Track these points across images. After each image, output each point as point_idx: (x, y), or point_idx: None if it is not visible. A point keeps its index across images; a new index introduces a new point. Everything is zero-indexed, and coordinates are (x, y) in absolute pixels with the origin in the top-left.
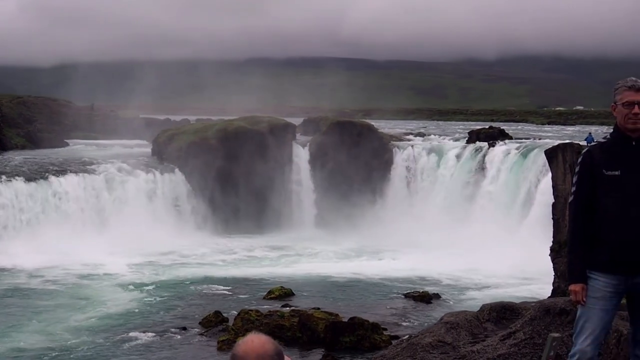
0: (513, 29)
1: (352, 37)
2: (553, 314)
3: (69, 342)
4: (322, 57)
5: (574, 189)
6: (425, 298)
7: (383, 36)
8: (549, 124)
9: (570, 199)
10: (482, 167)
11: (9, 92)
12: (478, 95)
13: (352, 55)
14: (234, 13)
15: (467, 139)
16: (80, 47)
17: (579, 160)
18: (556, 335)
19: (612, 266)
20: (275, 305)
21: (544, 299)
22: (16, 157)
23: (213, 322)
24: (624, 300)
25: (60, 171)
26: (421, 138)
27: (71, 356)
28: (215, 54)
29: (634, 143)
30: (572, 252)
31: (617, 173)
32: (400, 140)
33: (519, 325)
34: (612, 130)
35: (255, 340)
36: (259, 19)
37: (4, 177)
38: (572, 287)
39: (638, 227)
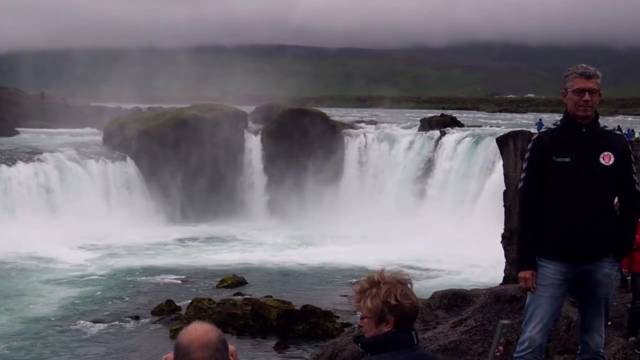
0: (462, 17)
1: (302, 25)
2: (503, 301)
3: (17, 334)
4: (274, 44)
5: (523, 175)
6: None
7: (334, 23)
8: (500, 112)
9: (520, 185)
10: (433, 155)
11: None
12: (430, 82)
13: (303, 42)
14: (184, 1)
15: (419, 126)
16: (28, 36)
17: (529, 146)
18: (506, 322)
19: (561, 253)
20: (228, 294)
21: (495, 286)
22: None
23: (165, 311)
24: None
25: (10, 160)
26: (373, 126)
27: (20, 348)
28: (165, 42)
29: (584, 130)
30: (521, 238)
31: (567, 160)
32: (353, 128)
33: (469, 313)
34: (562, 116)
35: (198, 329)
36: (209, 7)
37: None
38: (521, 274)
39: (587, 214)
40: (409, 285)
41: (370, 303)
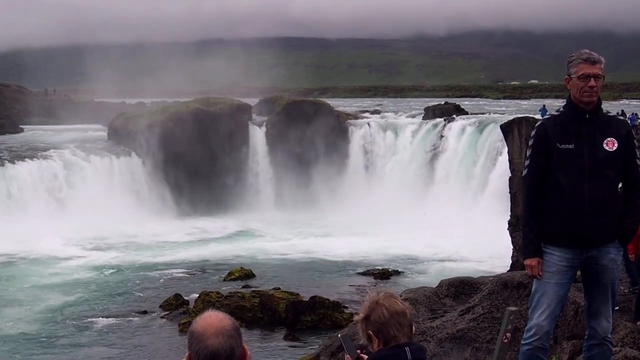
0: (462, 4)
1: (303, 16)
2: (511, 288)
3: (27, 331)
4: (275, 36)
5: (527, 162)
6: (384, 275)
7: (334, 14)
8: (504, 99)
9: (524, 172)
10: (438, 143)
11: None
12: (432, 71)
13: (305, 34)
14: None
15: (423, 115)
16: (30, 33)
17: (533, 133)
18: (514, 309)
19: (566, 240)
20: (236, 287)
21: (502, 273)
22: None
23: (173, 305)
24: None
25: (16, 157)
26: (377, 115)
27: (27, 344)
28: (167, 36)
29: (587, 116)
30: (526, 226)
31: (571, 146)
32: (357, 118)
33: (477, 300)
34: (565, 103)
35: (212, 316)
36: (210, 0)
37: None
38: (527, 261)
39: (592, 200)
40: (385, 297)
41: (360, 329)
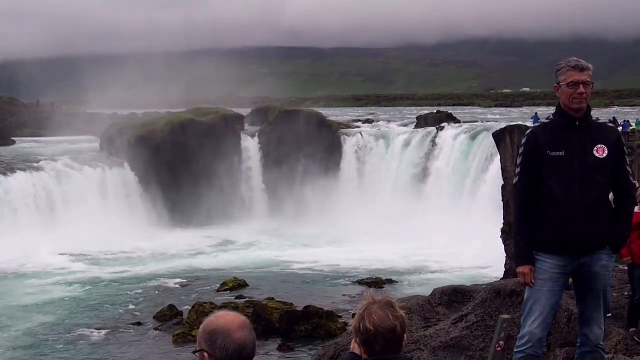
0: (454, 13)
1: (296, 26)
2: (504, 296)
3: (17, 343)
4: (267, 46)
5: (518, 170)
6: (378, 284)
7: (326, 24)
8: (496, 107)
9: (515, 180)
10: (431, 152)
11: None
12: (425, 80)
13: (297, 43)
14: (175, 5)
15: (415, 124)
16: (22, 45)
17: (523, 141)
18: (507, 317)
19: (557, 247)
20: (229, 297)
21: (495, 281)
22: None
23: (167, 316)
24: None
25: (8, 169)
26: (370, 125)
27: (20, 358)
28: (159, 46)
29: (577, 123)
30: (518, 234)
31: (561, 154)
32: (349, 127)
33: (470, 308)
34: (554, 111)
35: (229, 314)
36: (200, 10)
37: None
38: (520, 269)
39: (583, 207)
40: (380, 308)
41: (352, 331)
